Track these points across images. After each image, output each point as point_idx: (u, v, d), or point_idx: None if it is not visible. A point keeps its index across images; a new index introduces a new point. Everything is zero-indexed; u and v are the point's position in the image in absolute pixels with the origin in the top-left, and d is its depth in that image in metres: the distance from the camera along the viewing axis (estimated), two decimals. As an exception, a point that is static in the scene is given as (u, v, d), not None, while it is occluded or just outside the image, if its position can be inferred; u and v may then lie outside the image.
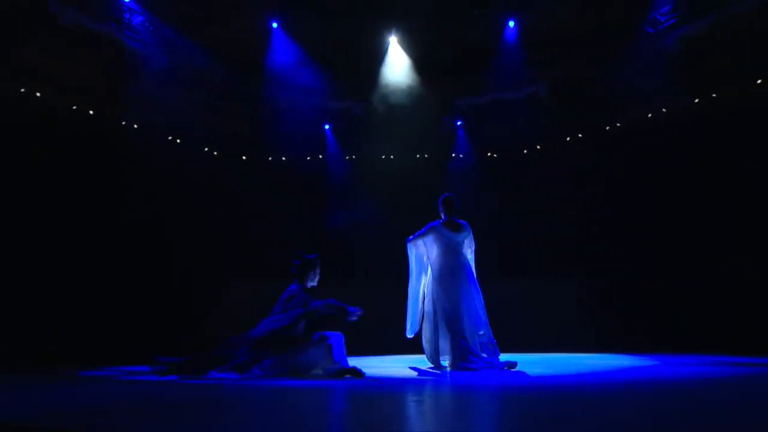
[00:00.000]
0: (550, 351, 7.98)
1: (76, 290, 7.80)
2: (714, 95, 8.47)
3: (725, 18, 7.85)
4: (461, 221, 6.08)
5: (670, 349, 7.62)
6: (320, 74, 9.39)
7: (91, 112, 8.91)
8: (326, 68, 9.35)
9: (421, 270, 6.20)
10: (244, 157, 10.96)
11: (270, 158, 10.63)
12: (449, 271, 5.90)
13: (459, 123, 10.56)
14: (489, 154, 10.85)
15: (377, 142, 10.03)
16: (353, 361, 5.33)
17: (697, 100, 8.63)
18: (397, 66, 9.37)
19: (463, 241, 6.04)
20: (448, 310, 5.75)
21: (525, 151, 10.71)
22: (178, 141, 10.28)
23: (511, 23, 9.08)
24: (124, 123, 9.29)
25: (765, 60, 7.88)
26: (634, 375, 4.88)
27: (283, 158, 10.96)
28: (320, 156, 10.95)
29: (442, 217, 6.06)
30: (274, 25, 9.49)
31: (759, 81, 8.09)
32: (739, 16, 7.69)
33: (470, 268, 6.05)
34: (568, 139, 10.30)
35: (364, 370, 5.15)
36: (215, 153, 10.86)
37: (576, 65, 8.82)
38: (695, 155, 8.35)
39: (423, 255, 6.18)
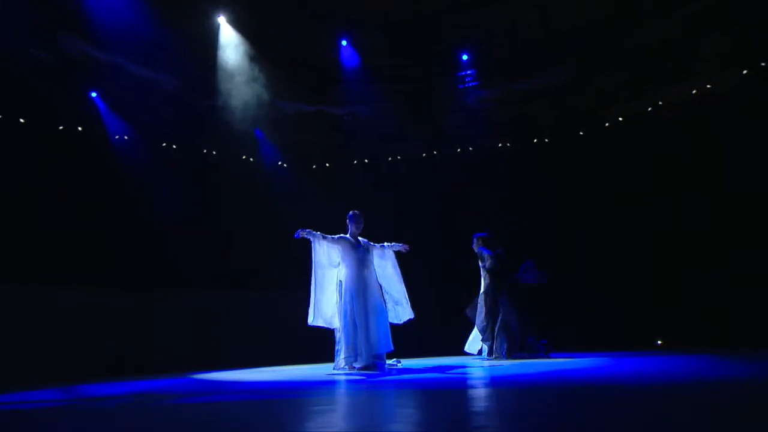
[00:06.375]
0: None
1: None
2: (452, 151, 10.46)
3: (509, 91, 9.80)
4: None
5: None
6: (132, 33, 7.45)
7: None
8: (144, 30, 7.50)
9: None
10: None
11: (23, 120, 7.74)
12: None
13: (257, 130, 9.79)
14: (279, 162, 10.44)
15: (188, 128, 8.50)
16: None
17: (458, 150, 10.49)
18: (226, 50, 8.21)
19: (372, 258, 6.12)
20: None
21: (314, 167, 10.73)
22: None
23: (344, 42, 9.12)
24: None
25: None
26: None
27: (21, 120, 8.14)
28: (79, 128, 8.53)
29: (352, 230, 6.09)
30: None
31: (508, 144, 10.45)
32: (520, 91, 9.72)
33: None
34: (355, 162, 10.82)
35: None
36: None
37: (388, 98, 9.38)
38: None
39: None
